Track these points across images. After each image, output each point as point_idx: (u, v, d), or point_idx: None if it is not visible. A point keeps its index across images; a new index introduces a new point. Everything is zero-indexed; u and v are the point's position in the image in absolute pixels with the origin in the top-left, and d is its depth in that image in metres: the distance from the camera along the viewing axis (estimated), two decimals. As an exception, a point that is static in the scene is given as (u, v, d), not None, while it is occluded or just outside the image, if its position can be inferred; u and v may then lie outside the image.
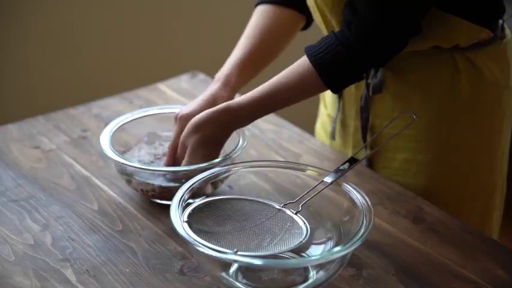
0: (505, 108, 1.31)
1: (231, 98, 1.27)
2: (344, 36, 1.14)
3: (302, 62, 1.17)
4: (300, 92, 1.19)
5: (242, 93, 1.22)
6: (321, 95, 1.48)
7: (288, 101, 1.19)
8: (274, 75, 1.20)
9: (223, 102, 1.23)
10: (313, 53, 1.16)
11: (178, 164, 1.20)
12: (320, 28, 1.31)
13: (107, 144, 1.22)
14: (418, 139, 1.30)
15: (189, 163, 1.18)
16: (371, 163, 1.36)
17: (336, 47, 1.14)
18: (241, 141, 1.23)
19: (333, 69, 1.15)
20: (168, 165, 1.22)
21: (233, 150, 1.21)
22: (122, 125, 1.29)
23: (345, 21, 1.15)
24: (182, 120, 1.21)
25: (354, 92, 1.34)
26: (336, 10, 1.22)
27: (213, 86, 1.27)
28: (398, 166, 1.33)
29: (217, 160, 1.18)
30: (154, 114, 1.33)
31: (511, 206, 1.48)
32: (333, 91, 1.18)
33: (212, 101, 1.24)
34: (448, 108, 1.27)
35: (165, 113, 1.33)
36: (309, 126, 1.59)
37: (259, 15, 1.35)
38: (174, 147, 1.22)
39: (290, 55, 1.26)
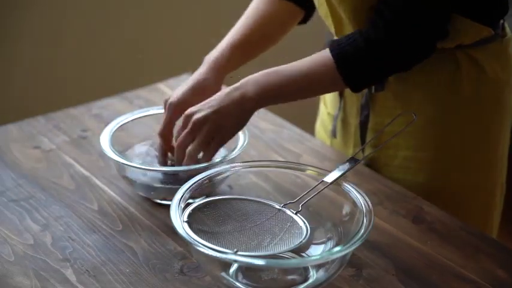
0: (506, 105, 1.31)
1: (219, 83, 1.27)
2: (368, 33, 1.13)
3: (324, 53, 1.16)
4: (316, 82, 1.16)
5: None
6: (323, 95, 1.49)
7: (302, 89, 1.17)
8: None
9: (210, 89, 1.24)
10: (335, 45, 1.15)
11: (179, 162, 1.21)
12: (325, 22, 1.30)
13: (107, 144, 1.22)
14: (419, 136, 1.30)
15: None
16: (372, 161, 1.36)
17: (358, 43, 1.13)
18: (241, 141, 1.23)
19: (352, 63, 1.14)
20: (162, 154, 1.24)
21: (233, 150, 1.21)
22: (122, 125, 1.29)
23: (371, 21, 1.15)
24: (172, 108, 1.23)
25: None
26: (345, 1, 1.21)
27: (201, 69, 1.27)
28: (400, 164, 1.33)
29: (217, 160, 1.18)
30: (154, 114, 1.33)
31: (509, 206, 1.48)
32: (352, 89, 1.16)
33: (201, 90, 1.24)
34: (449, 106, 1.28)
35: None
36: (309, 126, 1.58)
37: (257, 3, 1.35)
38: (164, 135, 1.24)
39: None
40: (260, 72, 1.16)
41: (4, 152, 1.37)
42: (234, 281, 1.03)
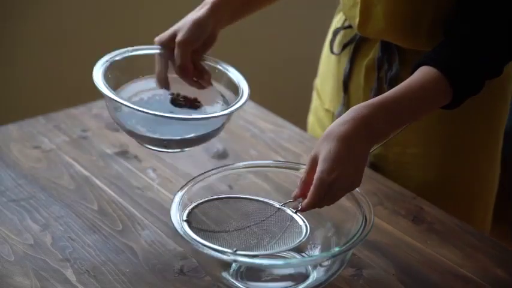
0: (508, 101, 1.32)
1: (205, 15, 1.21)
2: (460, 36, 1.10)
3: (421, 70, 1.07)
4: (428, 102, 1.08)
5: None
6: (316, 88, 1.47)
7: (414, 114, 1.07)
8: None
9: (193, 19, 1.20)
10: (431, 57, 1.08)
11: None
12: (347, 14, 1.28)
13: (101, 84, 1.18)
14: (429, 133, 1.30)
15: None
16: (381, 160, 1.35)
17: (455, 47, 1.09)
18: (243, 98, 1.18)
19: (457, 66, 1.07)
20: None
21: (233, 104, 1.17)
22: (112, 63, 1.24)
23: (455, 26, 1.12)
24: (156, 40, 1.23)
25: (363, 85, 1.32)
26: None
27: (201, 11, 1.22)
28: (409, 161, 1.32)
29: (216, 113, 1.16)
30: (145, 54, 1.28)
31: (499, 205, 1.48)
32: (457, 98, 1.09)
33: (183, 20, 1.22)
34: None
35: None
36: (299, 120, 1.57)
37: None
38: (183, 68, 1.20)
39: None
40: (374, 110, 1.03)
41: (4, 152, 1.37)
42: (234, 281, 1.03)
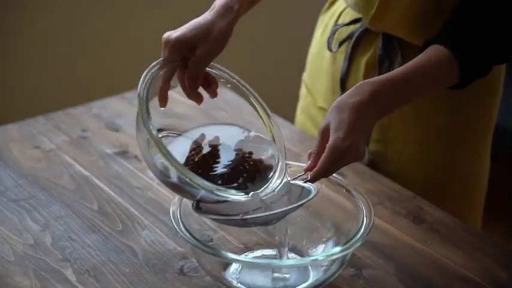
0: (500, 92, 1.32)
1: (229, 25, 1.09)
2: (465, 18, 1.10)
3: (432, 48, 1.08)
4: (434, 79, 1.07)
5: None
6: (305, 86, 1.46)
7: (419, 90, 1.08)
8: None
9: (219, 30, 1.08)
10: (442, 37, 1.09)
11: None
12: (357, 7, 1.26)
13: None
14: (429, 131, 1.30)
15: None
16: (379, 157, 1.35)
17: (464, 28, 1.09)
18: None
19: (465, 44, 1.07)
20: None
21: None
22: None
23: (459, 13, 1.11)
24: (170, 44, 1.08)
25: None
26: None
27: (210, 11, 1.11)
28: (408, 159, 1.32)
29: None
30: None
31: (489, 203, 1.49)
32: (465, 77, 1.09)
33: (206, 28, 1.08)
34: (457, 95, 1.27)
35: None
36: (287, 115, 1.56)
37: None
38: (192, 77, 1.07)
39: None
40: (381, 85, 1.04)
41: (4, 152, 1.37)
42: (234, 281, 1.03)
